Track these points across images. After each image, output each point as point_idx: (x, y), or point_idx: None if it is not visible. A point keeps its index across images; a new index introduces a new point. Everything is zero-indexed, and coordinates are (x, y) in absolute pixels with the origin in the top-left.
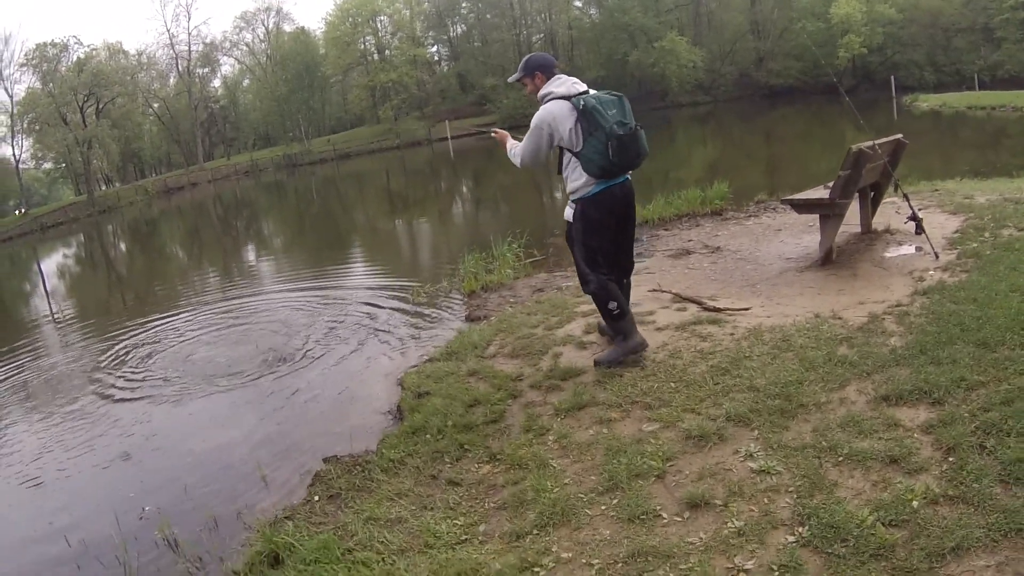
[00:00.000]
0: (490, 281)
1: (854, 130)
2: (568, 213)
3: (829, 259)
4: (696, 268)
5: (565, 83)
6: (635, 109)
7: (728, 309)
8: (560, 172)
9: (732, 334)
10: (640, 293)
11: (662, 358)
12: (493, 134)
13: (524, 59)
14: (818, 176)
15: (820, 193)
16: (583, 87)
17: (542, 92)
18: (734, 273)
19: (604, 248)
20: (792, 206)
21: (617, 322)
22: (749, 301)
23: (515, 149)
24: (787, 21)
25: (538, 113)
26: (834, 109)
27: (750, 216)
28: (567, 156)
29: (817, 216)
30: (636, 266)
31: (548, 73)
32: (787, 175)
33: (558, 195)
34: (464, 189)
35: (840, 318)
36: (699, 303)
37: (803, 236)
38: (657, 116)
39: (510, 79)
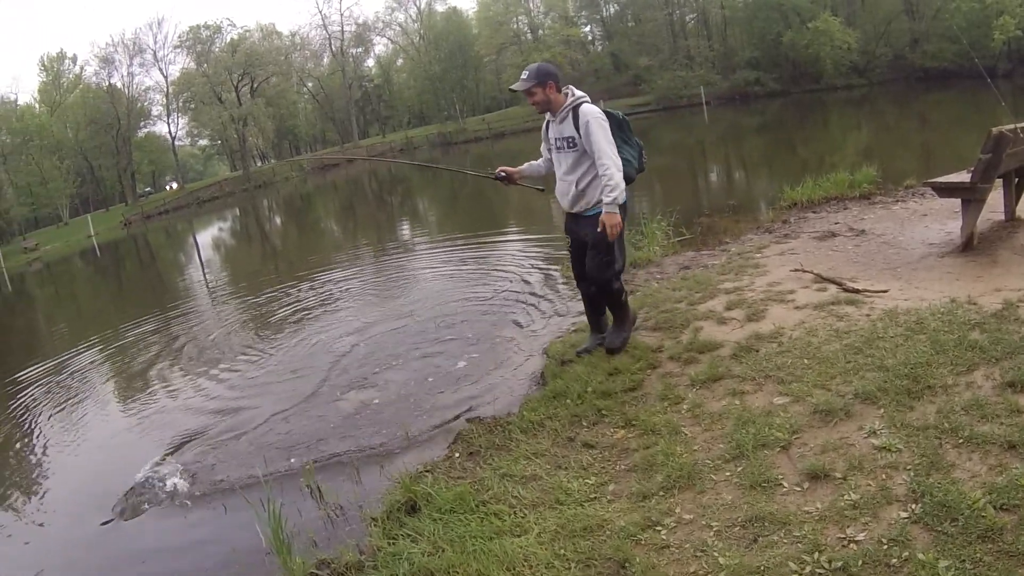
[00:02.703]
0: (638, 258)
1: (1011, 116)
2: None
3: (970, 245)
4: (840, 250)
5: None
6: (790, 92)
7: (866, 291)
8: (577, 183)
9: (868, 315)
10: (783, 273)
11: (799, 335)
12: (611, 226)
13: (534, 67)
14: (970, 163)
15: (962, 177)
16: None
17: (579, 94)
18: (876, 256)
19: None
20: (934, 189)
21: (626, 305)
22: (888, 284)
23: (607, 188)
24: (941, 0)
25: (592, 112)
26: (990, 94)
27: (897, 201)
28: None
29: (959, 201)
30: (781, 246)
31: (559, 84)
32: (939, 161)
33: (712, 176)
34: None
35: (975, 304)
36: (839, 284)
37: (947, 222)
38: (812, 99)
39: (516, 87)
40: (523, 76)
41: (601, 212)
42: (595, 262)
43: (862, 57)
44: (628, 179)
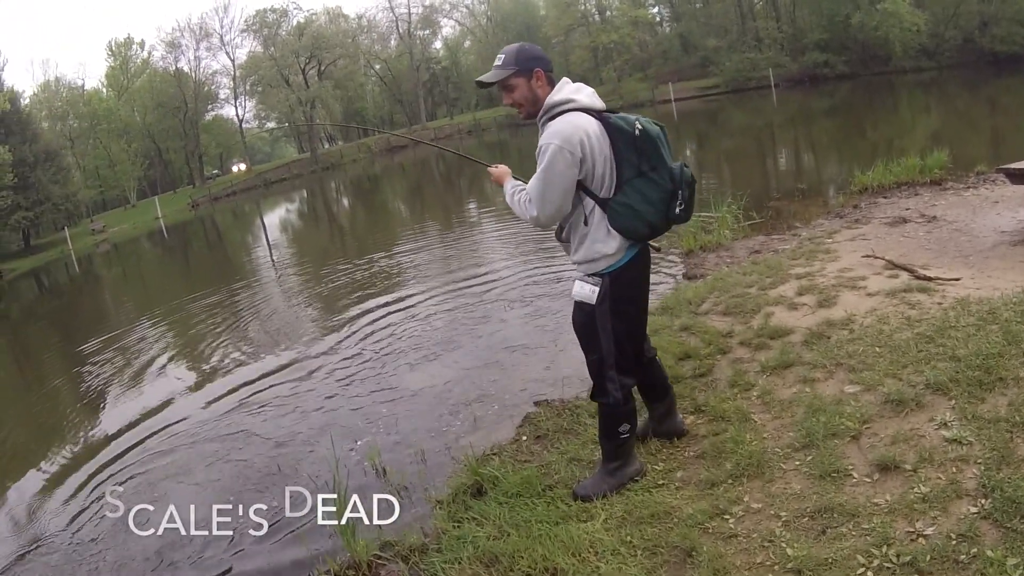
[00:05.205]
0: (708, 241)
1: None
2: (582, 291)
3: None
4: (911, 237)
5: (583, 90)
6: (859, 74)
7: (938, 279)
8: (560, 233)
9: (940, 303)
10: (854, 259)
11: (870, 323)
12: (491, 169)
13: (513, 48)
14: None
15: None
16: (602, 104)
17: (556, 98)
18: (948, 243)
19: (636, 331)
20: (1006, 175)
21: (621, 447)
22: (960, 272)
23: (519, 193)
24: None
25: (556, 127)
26: None
27: (969, 187)
28: (586, 204)
29: None
30: (852, 232)
31: (549, 73)
32: (1011, 147)
33: (782, 159)
34: (687, 151)
35: None
36: (911, 271)
37: (1020, 210)
38: (881, 82)
39: (487, 78)
40: (497, 62)
41: (587, 277)
42: (586, 358)
43: (931, 40)
44: (635, 235)
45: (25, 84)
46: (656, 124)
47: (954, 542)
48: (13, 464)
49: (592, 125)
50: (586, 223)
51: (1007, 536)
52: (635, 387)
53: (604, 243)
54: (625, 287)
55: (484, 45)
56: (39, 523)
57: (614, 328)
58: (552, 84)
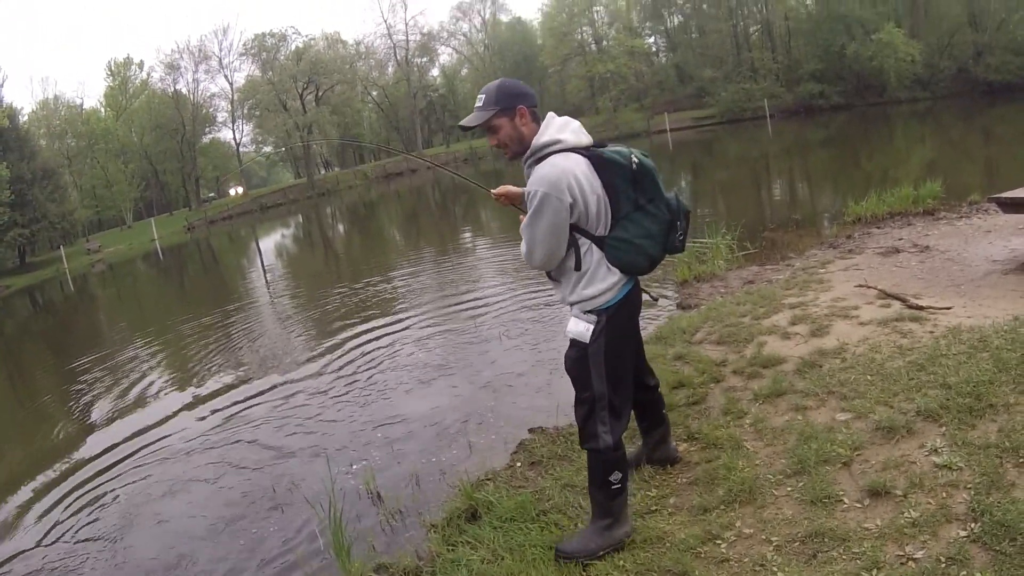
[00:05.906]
0: (702, 271)
1: None
2: (578, 329)
3: None
4: (904, 266)
5: (569, 127)
6: (854, 105)
7: (930, 308)
8: (550, 273)
9: (932, 332)
10: (847, 288)
11: (862, 351)
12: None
13: (494, 85)
14: None
15: None
16: (590, 138)
17: (542, 140)
18: (940, 273)
19: (629, 370)
20: (999, 204)
21: (613, 500)
22: (952, 301)
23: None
24: (1005, 12)
25: (542, 172)
26: None
27: (961, 217)
28: (580, 244)
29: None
30: (846, 262)
31: (534, 109)
32: (1004, 177)
33: (776, 190)
34: (682, 182)
35: None
36: (903, 300)
37: (1012, 239)
38: (876, 112)
39: (467, 121)
40: (478, 103)
41: (582, 314)
42: (576, 399)
43: (926, 70)
44: (634, 269)
45: (24, 101)
46: (647, 156)
47: (943, 565)
48: (1, 478)
49: (580, 165)
50: (581, 263)
51: (996, 559)
52: (632, 415)
53: (602, 280)
54: (621, 323)
55: (481, 73)
56: (27, 537)
57: (607, 366)
58: (537, 121)
